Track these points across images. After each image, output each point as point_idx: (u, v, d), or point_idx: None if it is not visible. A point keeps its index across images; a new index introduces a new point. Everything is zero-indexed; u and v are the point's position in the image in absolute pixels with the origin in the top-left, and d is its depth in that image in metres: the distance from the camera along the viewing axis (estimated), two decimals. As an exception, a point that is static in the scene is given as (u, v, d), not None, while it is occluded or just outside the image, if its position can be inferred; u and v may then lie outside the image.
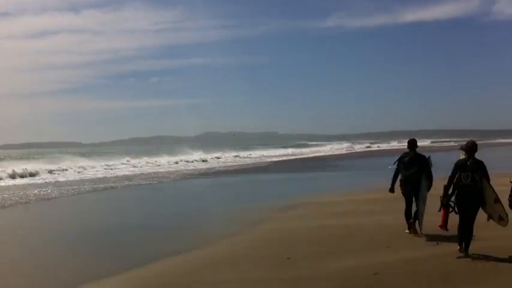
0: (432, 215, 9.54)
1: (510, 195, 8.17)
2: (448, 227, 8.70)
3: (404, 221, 9.97)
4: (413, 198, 9.92)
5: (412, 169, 9.78)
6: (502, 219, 8.25)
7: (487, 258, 7.83)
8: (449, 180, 8.23)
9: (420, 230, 9.82)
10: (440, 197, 8.43)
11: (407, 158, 9.90)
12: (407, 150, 10.11)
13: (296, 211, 13.64)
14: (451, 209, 8.37)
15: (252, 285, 6.92)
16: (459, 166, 8.14)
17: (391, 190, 10.17)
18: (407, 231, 9.87)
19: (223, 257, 8.66)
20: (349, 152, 73.06)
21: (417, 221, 9.89)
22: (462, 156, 8.33)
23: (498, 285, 6.58)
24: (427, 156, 10.12)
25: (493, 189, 8.17)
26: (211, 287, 6.94)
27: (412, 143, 10.14)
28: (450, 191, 8.27)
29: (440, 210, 8.58)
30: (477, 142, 8.43)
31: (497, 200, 8.16)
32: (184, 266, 8.20)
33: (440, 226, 8.86)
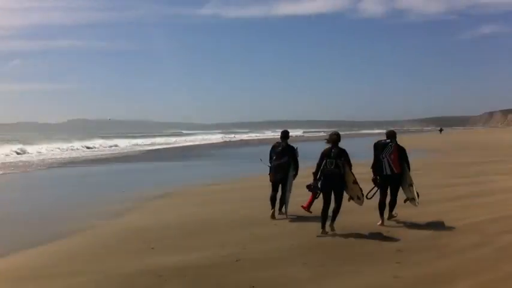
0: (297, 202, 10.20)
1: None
2: (311, 210, 9.66)
3: (270, 207, 10.29)
4: (280, 186, 10.41)
5: (283, 158, 10.27)
6: (358, 199, 9.30)
7: (346, 237, 8.56)
8: (317, 167, 9.11)
9: (286, 214, 10.37)
10: (310, 184, 9.18)
11: (280, 148, 10.41)
12: (280, 140, 10.60)
13: (165, 200, 13.46)
14: (317, 194, 9.24)
15: (108, 276, 6.66)
16: (325, 154, 9.06)
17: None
18: (272, 213, 10.28)
19: (84, 249, 8.29)
20: (225, 141, 73.81)
21: (283, 206, 10.46)
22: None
23: (356, 261, 7.12)
24: (295, 147, 10.59)
25: (352, 173, 9.14)
26: (66, 279, 6.57)
27: (285, 134, 10.65)
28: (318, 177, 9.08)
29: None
30: (343, 133, 9.18)
31: (355, 182, 9.15)
32: (42, 258, 7.77)
33: (303, 207, 9.79)
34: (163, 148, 50.64)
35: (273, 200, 10.34)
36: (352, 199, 9.36)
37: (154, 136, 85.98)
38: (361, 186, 9.10)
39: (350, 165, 9.09)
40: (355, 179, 9.14)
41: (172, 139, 75.36)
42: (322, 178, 9.00)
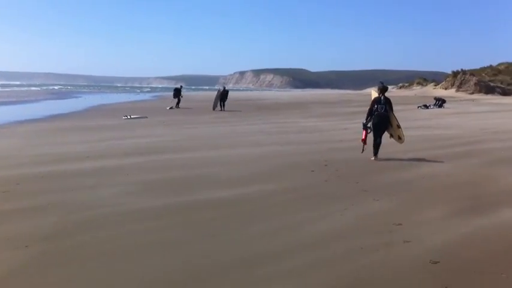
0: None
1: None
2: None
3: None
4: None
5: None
6: (399, 139, 12.29)
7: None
8: (369, 111, 11.87)
9: None
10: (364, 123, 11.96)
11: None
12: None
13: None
14: (369, 131, 11.81)
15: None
16: (376, 101, 11.78)
17: None
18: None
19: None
20: None
21: None
22: None
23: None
24: None
25: (395, 117, 12.08)
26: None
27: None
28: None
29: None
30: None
31: (399, 126, 12.11)
32: None
33: (362, 140, 11.95)
34: None
35: None
36: (393, 137, 12.32)
37: None
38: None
39: (392, 111, 11.89)
40: (398, 123, 12.07)
41: None
42: (373, 119, 11.71)
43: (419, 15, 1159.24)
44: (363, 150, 11.84)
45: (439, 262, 5.12)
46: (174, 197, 7.99)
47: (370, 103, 12.06)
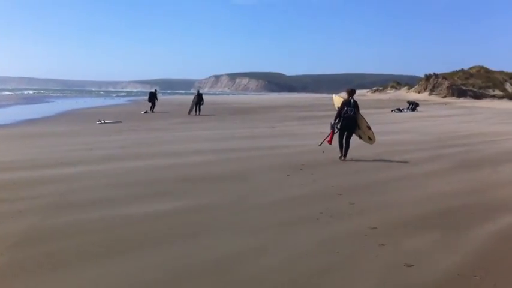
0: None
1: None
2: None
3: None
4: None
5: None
6: (370, 139, 12.64)
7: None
8: (338, 112, 12.23)
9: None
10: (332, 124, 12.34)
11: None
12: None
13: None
14: (336, 131, 12.23)
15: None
16: (345, 103, 12.12)
17: None
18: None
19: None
20: None
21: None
22: None
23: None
24: None
25: (364, 119, 12.46)
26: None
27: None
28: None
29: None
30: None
31: (369, 128, 12.48)
32: None
33: (328, 141, 12.53)
34: None
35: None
36: (362, 139, 12.70)
37: None
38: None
39: (359, 113, 12.24)
40: (368, 124, 12.52)
41: None
42: (342, 120, 12.06)
43: (394, 20, 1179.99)
44: (321, 143, 12.87)
45: (413, 265, 5.16)
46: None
47: (337, 106, 12.54)
